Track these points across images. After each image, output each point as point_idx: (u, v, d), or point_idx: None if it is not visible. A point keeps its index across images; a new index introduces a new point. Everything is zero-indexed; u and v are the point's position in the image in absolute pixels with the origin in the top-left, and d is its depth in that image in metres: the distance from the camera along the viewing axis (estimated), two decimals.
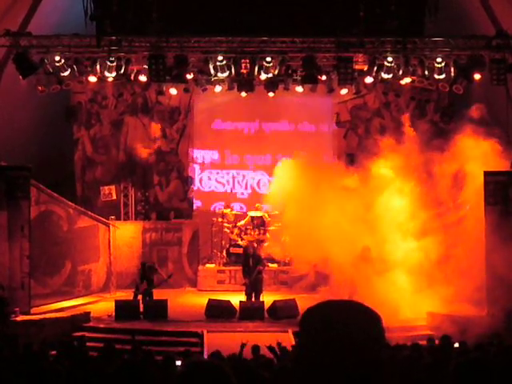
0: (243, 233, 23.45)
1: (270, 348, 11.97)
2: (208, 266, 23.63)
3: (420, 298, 18.92)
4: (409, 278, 19.43)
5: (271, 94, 22.18)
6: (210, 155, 25.43)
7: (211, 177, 25.53)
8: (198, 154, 25.42)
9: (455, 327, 15.92)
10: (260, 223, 23.51)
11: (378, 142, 19.91)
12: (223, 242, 23.95)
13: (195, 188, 25.44)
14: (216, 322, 18.16)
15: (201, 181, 25.54)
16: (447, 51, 19.96)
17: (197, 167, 25.46)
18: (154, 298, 19.34)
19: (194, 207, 25.32)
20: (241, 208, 24.86)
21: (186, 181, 25.42)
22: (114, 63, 19.97)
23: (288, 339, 15.67)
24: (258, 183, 25.46)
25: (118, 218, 23.52)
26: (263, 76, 20.45)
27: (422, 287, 19.12)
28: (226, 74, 20.36)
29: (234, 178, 25.47)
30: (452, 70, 19.96)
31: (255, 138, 25.20)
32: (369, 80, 21.05)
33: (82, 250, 21.81)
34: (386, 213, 19.44)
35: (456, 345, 12.26)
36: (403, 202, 19.70)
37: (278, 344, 12.12)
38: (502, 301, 17.05)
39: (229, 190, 25.35)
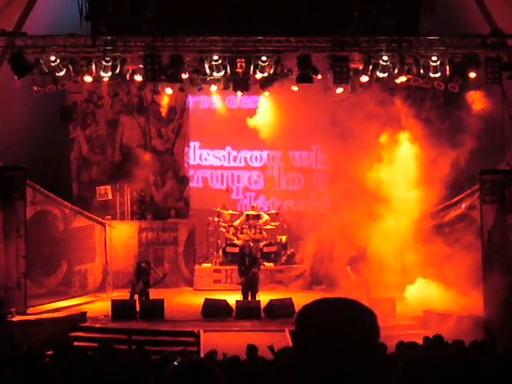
0: (239, 232, 23.45)
1: (271, 348, 11.95)
2: (204, 265, 23.61)
3: (416, 296, 18.94)
4: (405, 276, 19.45)
5: (266, 93, 22.16)
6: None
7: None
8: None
9: (452, 326, 15.93)
10: (256, 222, 23.51)
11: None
12: (219, 242, 23.94)
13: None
14: (212, 321, 18.17)
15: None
16: (442, 50, 19.93)
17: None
18: (151, 297, 19.36)
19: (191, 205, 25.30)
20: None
21: (182, 180, 25.39)
22: (110, 63, 19.92)
23: (284, 338, 15.67)
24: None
25: (113, 218, 23.47)
26: (258, 75, 20.42)
27: (418, 285, 19.15)
28: (222, 73, 20.31)
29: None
30: (447, 68, 19.94)
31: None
32: (364, 79, 21.01)
33: (78, 250, 21.79)
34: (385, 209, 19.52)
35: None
36: (401, 199, 19.76)
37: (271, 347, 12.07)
38: (500, 300, 17.06)
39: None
